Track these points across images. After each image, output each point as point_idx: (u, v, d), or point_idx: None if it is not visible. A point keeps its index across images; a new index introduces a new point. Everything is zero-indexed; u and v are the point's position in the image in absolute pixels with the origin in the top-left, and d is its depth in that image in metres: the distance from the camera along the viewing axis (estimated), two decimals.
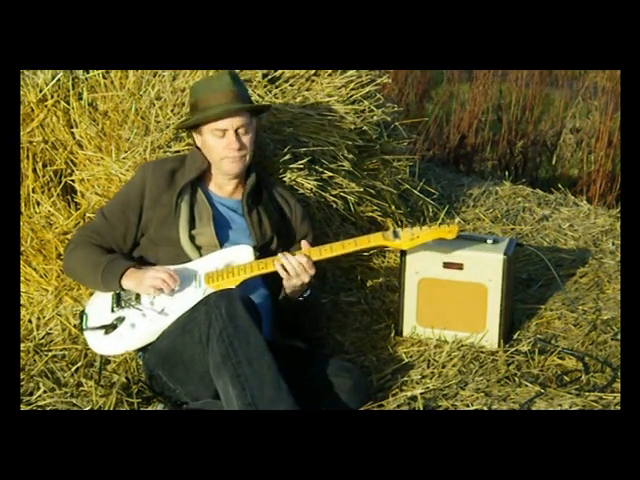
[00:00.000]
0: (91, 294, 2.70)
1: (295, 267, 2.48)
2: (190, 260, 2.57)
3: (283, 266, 2.49)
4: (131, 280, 2.52)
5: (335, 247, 2.56)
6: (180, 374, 2.42)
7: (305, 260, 2.49)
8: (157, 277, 2.47)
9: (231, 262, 2.54)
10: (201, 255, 2.58)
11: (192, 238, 2.58)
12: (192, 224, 2.60)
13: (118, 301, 2.52)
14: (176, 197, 2.60)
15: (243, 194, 2.67)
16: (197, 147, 2.72)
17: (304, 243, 2.57)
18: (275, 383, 2.23)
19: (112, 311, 2.52)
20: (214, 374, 2.28)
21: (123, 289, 2.53)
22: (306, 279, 2.50)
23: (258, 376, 2.22)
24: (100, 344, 2.51)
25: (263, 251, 2.61)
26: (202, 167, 2.66)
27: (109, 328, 2.49)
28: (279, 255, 2.51)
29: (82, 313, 2.59)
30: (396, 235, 2.60)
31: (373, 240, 2.61)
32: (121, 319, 2.49)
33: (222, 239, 2.61)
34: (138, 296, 2.51)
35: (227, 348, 2.25)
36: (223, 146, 2.60)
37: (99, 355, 2.64)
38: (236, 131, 2.59)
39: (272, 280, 2.58)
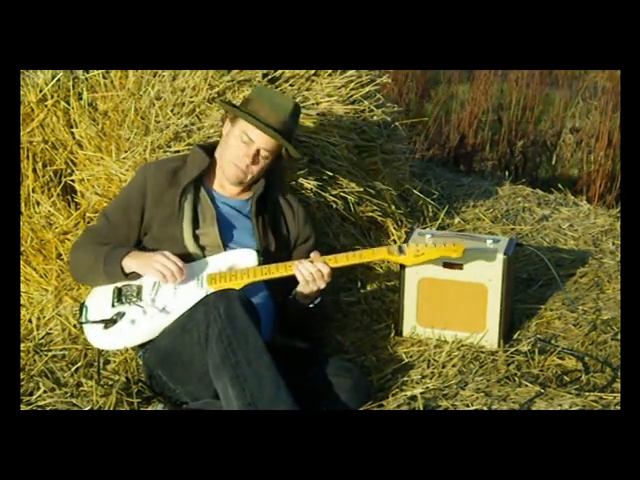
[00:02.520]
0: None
1: (313, 273, 2.50)
2: (193, 260, 2.57)
3: (300, 272, 2.50)
4: (135, 260, 2.50)
5: (339, 259, 2.57)
6: (180, 374, 2.42)
7: (326, 270, 2.51)
8: (166, 265, 2.46)
9: (234, 265, 2.54)
10: (204, 255, 2.58)
11: (196, 238, 2.58)
12: (195, 224, 2.60)
13: (119, 296, 2.52)
14: (179, 196, 2.59)
15: (252, 196, 2.67)
16: (198, 146, 2.73)
17: (314, 254, 2.57)
18: (274, 383, 2.23)
19: (113, 306, 2.51)
20: (213, 375, 2.28)
21: (125, 273, 2.51)
22: (322, 285, 2.52)
23: (257, 376, 2.22)
24: (99, 338, 2.51)
25: (266, 254, 2.61)
26: (203, 165, 2.65)
27: (109, 323, 2.48)
28: (296, 262, 2.53)
29: (82, 305, 2.58)
30: (401, 251, 2.62)
31: (378, 254, 2.64)
32: (121, 314, 2.49)
33: (226, 240, 2.61)
34: (139, 292, 2.50)
35: (226, 349, 2.24)
36: (239, 152, 2.58)
37: (98, 353, 2.63)
38: (259, 150, 2.58)
39: (273, 282, 2.59)
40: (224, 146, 2.64)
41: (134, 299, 2.50)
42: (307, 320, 2.68)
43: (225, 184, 2.68)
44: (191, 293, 2.49)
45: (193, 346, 2.33)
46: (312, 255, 2.57)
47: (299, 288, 2.56)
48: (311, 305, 2.61)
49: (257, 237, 2.64)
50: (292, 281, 2.57)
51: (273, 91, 2.86)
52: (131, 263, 2.51)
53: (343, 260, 2.57)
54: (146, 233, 2.64)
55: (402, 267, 2.84)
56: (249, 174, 2.62)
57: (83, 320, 2.54)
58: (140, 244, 2.66)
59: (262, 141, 2.57)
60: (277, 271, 2.53)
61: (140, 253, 2.53)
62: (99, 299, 2.56)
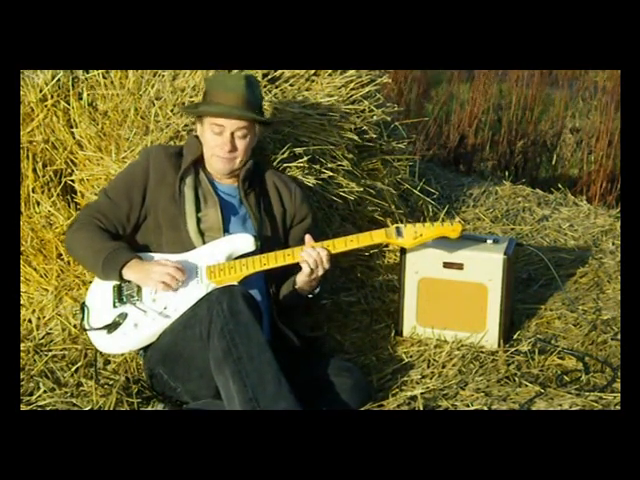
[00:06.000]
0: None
1: (316, 260, 2.49)
2: (193, 247, 2.56)
3: (306, 260, 2.49)
4: (135, 273, 2.50)
5: (337, 243, 2.55)
6: (181, 371, 2.42)
7: (324, 253, 2.50)
8: (165, 272, 2.46)
9: (232, 252, 2.53)
10: (204, 242, 2.57)
11: (198, 221, 2.58)
12: (197, 206, 2.60)
13: (119, 295, 2.51)
14: (178, 181, 2.60)
15: (238, 179, 2.68)
16: (195, 136, 2.74)
17: (308, 238, 2.56)
18: (276, 380, 2.23)
19: (114, 306, 2.51)
20: (215, 370, 2.28)
21: (123, 280, 2.52)
22: (321, 272, 2.51)
23: (259, 372, 2.23)
24: (103, 343, 2.50)
25: (263, 236, 2.61)
26: (198, 153, 2.67)
27: (111, 327, 2.48)
28: (299, 250, 2.51)
29: (83, 305, 2.57)
30: (399, 233, 2.60)
31: (376, 237, 2.60)
32: (123, 316, 2.48)
33: (226, 222, 2.61)
34: (139, 291, 2.49)
35: (228, 344, 2.25)
36: (216, 143, 2.60)
37: (97, 354, 2.63)
38: (233, 133, 2.59)
39: (272, 277, 2.59)
40: (203, 143, 2.66)
41: (135, 299, 2.49)
42: (297, 311, 2.69)
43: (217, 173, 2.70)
44: (192, 290, 2.48)
45: (195, 342, 2.34)
46: (306, 240, 2.55)
47: (301, 277, 2.55)
48: (310, 295, 2.61)
49: (253, 219, 2.64)
50: (288, 270, 2.56)
51: (223, 75, 2.83)
52: (130, 275, 2.51)
53: (341, 245, 2.55)
54: (146, 216, 2.63)
55: (402, 253, 2.83)
56: (236, 158, 2.63)
57: (86, 324, 2.53)
58: (138, 229, 2.65)
59: (231, 124, 2.59)
60: (275, 261, 2.51)
61: (139, 265, 2.52)
62: (99, 298, 2.55)
